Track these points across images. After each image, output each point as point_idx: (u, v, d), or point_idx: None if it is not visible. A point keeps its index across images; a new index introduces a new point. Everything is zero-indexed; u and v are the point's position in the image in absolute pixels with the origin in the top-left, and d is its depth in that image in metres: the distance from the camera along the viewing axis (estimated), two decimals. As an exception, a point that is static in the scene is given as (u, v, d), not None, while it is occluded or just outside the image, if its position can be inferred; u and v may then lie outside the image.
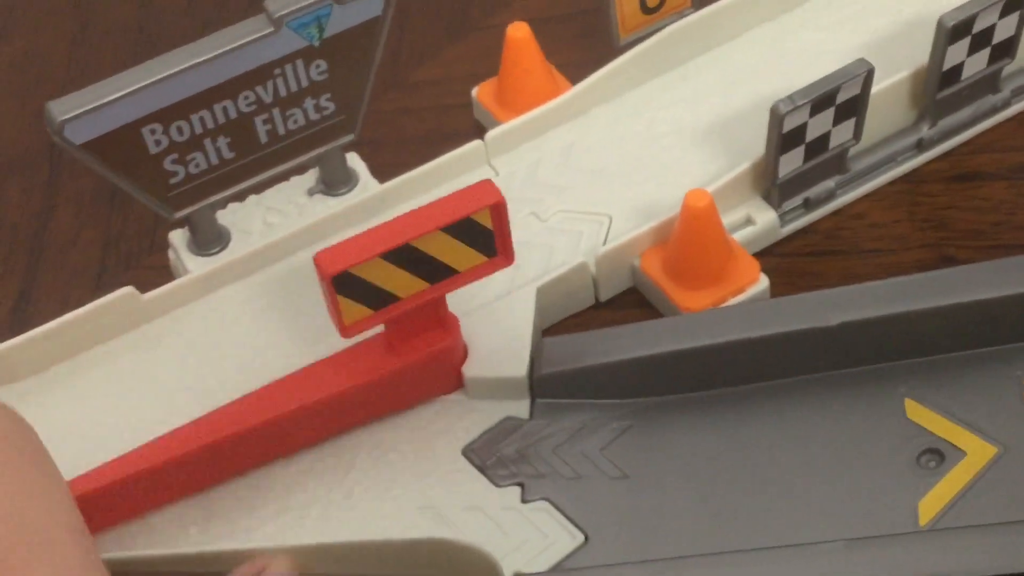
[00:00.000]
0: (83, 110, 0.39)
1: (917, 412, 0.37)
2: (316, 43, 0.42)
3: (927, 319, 0.37)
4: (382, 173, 0.47)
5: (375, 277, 0.37)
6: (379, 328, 0.39)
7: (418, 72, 0.54)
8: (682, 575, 0.35)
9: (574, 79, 0.50)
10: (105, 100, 0.39)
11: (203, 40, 0.41)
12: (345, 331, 0.38)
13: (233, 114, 0.42)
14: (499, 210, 0.37)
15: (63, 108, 0.39)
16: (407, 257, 0.37)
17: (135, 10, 0.58)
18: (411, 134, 0.52)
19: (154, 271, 0.47)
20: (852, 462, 0.37)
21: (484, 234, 0.37)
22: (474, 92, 0.51)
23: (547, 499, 0.38)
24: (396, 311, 0.38)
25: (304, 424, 0.40)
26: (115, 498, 0.38)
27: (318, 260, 0.36)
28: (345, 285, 0.37)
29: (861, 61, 0.42)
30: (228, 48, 0.40)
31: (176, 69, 0.40)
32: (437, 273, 0.38)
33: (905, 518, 0.35)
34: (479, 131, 0.51)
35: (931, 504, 0.35)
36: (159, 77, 0.40)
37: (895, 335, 0.38)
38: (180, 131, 0.41)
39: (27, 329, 0.43)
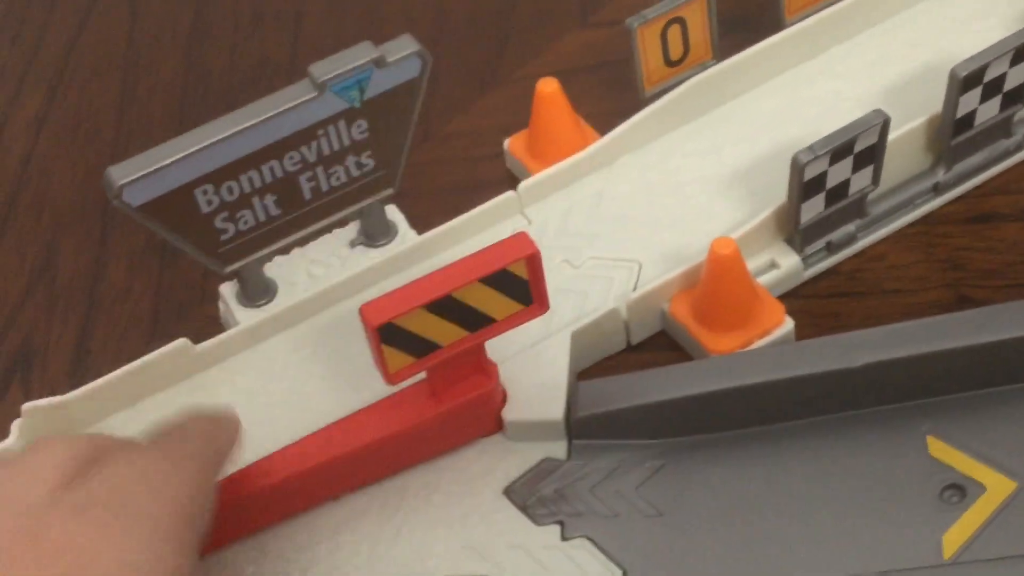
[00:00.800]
0: (140, 174, 0.41)
1: (939, 449, 0.39)
2: (357, 104, 0.44)
3: (947, 359, 0.39)
4: (417, 223, 0.50)
5: (418, 327, 0.39)
6: (422, 375, 0.41)
7: (450, 124, 0.56)
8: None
9: (600, 128, 0.52)
10: (161, 164, 0.42)
11: (252, 105, 0.43)
12: (390, 378, 0.40)
13: (280, 173, 0.44)
14: (534, 261, 0.39)
15: (122, 173, 0.41)
16: (448, 307, 0.39)
17: (180, 70, 0.61)
18: (444, 184, 0.54)
19: (204, 321, 0.50)
20: (878, 497, 0.39)
21: (520, 284, 0.39)
22: (505, 144, 0.53)
23: (586, 537, 0.40)
24: (438, 359, 0.40)
25: (352, 468, 0.42)
26: None
27: (364, 312, 0.38)
28: (390, 335, 0.39)
29: (878, 112, 0.44)
30: (275, 112, 0.43)
31: (227, 133, 0.42)
32: (476, 322, 0.40)
33: (930, 551, 0.37)
34: (510, 180, 0.53)
35: (955, 537, 0.37)
36: (211, 141, 0.42)
37: (917, 375, 0.40)
38: (230, 191, 0.44)
39: (87, 378, 0.45)
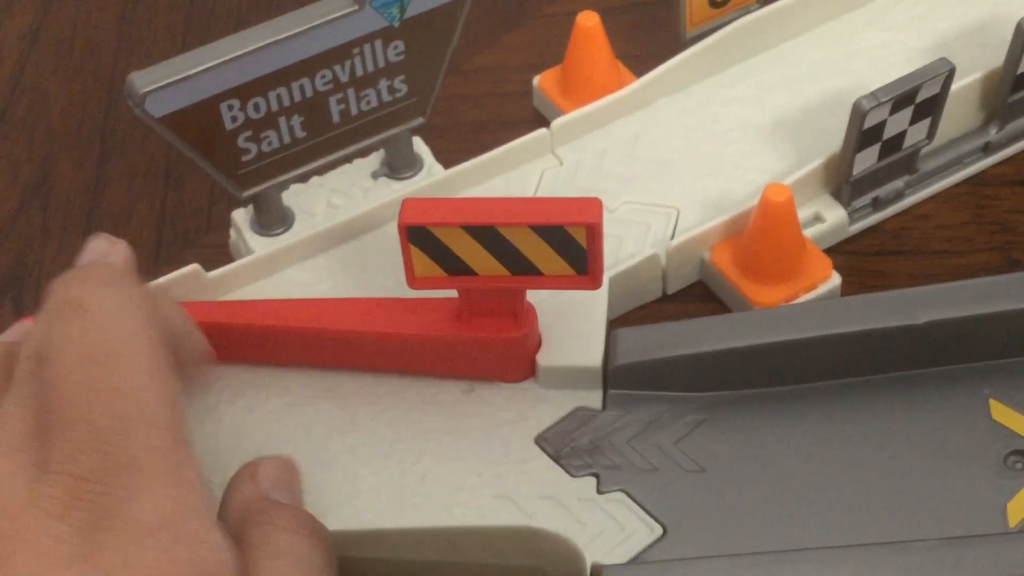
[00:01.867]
0: (165, 83, 0.38)
1: (1002, 413, 0.37)
2: (396, 23, 0.41)
3: (1014, 320, 0.37)
4: (441, 158, 0.47)
5: (453, 244, 0.37)
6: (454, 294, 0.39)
7: (475, 59, 0.53)
8: (782, 570, 0.34)
9: (632, 70, 0.50)
10: (187, 73, 0.39)
11: (286, 16, 0.40)
12: (413, 282, 0.38)
13: (309, 93, 0.42)
14: (594, 231, 0.36)
15: (146, 80, 0.38)
16: (490, 238, 0.37)
17: (186, -14, 0.57)
18: (469, 120, 0.51)
19: (211, 249, 0.47)
20: (936, 461, 0.37)
21: (576, 248, 0.37)
22: (536, 80, 0.51)
23: (623, 490, 0.38)
24: (469, 284, 0.38)
25: (353, 348, 0.40)
26: None
27: (404, 205, 0.36)
28: (420, 239, 0.36)
29: (943, 60, 0.42)
30: (311, 25, 0.40)
31: (259, 45, 0.39)
32: (520, 265, 0.37)
33: (993, 519, 0.35)
34: (538, 119, 0.50)
35: (1020, 505, 0.35)
36: (241, 52, 0.39)
37: (981, 335, 0.38)
38: (257, 108, 0.41)
39: (84, 305, 0.42)
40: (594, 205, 0.36)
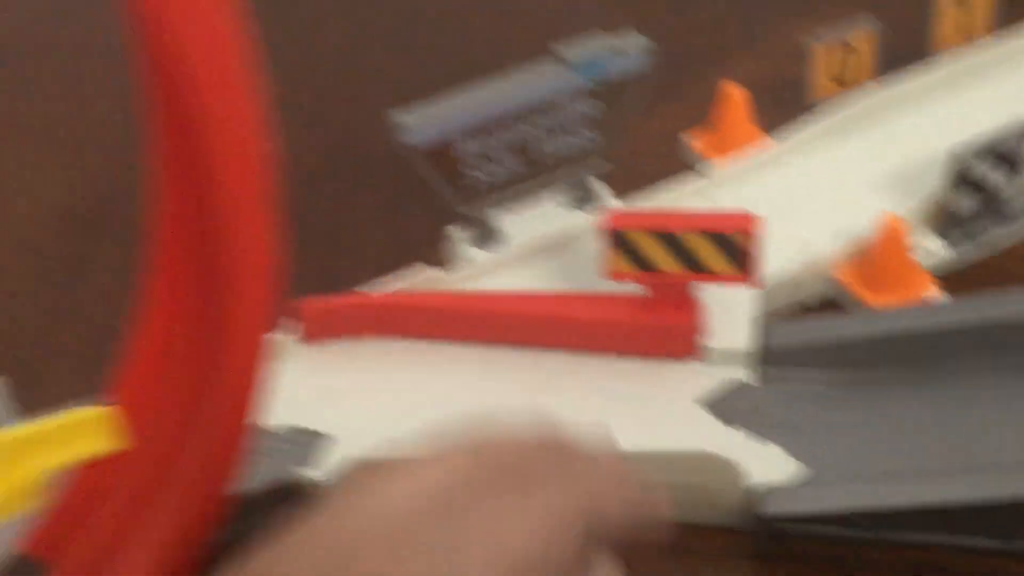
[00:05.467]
0: (425, 121, 0.51)
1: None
2: (594, 85, 0.54)
3: None
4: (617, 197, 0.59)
5: (641, 245, 0.48)
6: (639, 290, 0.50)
7: (641, 120, 0.65)
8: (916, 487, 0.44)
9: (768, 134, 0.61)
10: (439, 115, 0.51)
11: (510, 75, 0.53)
12: (608, 275, 0.50)
13: (523, 136, 0.54)
14: (751, 238, 0.48)
15: (411, 119, 0.51)
16: (670, 241, 0.48)
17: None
18: (635, 169, 0.63)
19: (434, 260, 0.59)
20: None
21: (738, 251, 0.48)
22: (689, 139, 0.62)
23: (776, 442, 0.47)
24: (652, 279, 0.49)
25: (569, 329, 0.52)
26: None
27: (607, 213, 0.49)
28: (617, 241, 0.49)
29: (1025, 122, 0.53)
30: (528, 83, 0.52)
31: (491, 96, 0.52)
32: (693, 264, 0.49)
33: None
34: (693, 171, 0.62)
35: None
36: (477, 102, 0.52)
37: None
38: (483, 146, 0.53)
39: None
40: (747, 219, 0.48)
